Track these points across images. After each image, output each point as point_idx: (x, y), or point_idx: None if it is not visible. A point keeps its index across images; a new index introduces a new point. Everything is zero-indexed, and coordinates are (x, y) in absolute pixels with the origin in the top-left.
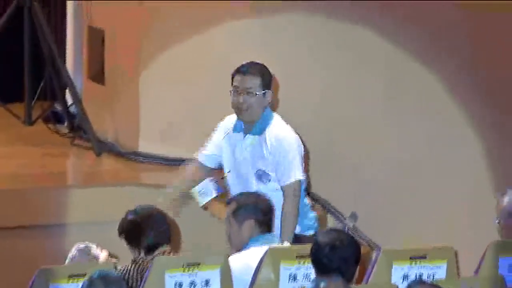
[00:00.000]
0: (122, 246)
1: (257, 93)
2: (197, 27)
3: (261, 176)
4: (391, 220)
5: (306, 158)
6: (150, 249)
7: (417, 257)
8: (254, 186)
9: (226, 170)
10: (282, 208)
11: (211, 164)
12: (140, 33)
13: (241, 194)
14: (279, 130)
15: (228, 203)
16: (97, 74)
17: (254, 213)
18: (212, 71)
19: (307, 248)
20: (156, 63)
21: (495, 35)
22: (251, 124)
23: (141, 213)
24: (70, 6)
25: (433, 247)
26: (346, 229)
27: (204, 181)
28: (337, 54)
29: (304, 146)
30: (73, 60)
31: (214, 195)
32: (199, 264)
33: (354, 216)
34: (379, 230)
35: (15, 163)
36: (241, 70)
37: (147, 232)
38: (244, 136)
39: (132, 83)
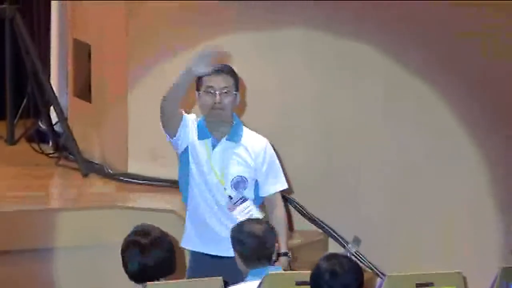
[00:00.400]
0: (111, 272)
1: (235, 92)
2: (188, 42)
3: (239, 183)
4: (392, 229)
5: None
6: (137, 280)
7: (424, 284)
8: (229, 193)
9: (190, 180)
10: (275, 214)
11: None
12: (129, 47)
13: (241, 222)
14: (259, 138)
15: None
16: (83, 91)
17: (234, 246)
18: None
19: (306, 274)
20: (145, 79)
21: (491, 42)
22: (224, 127)
23: (132, 235)
24: (54, 18)
25: (440, 273)
26: (348, 254)
27: None
28: (335, 65)
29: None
30: (57, 76)
31: None
32: None
33: (357, 241)
34: (380, 242)
35: None
36: (214, 69)
37: (131, 259)
38: (216, 142)
39: (120, 100)
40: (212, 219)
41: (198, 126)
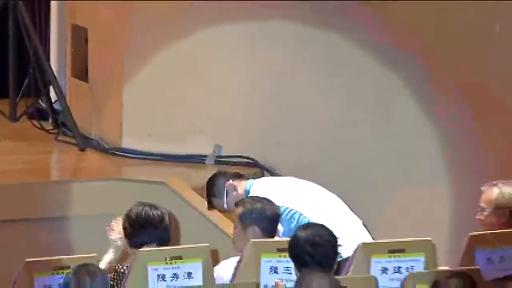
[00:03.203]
0: (104, 241)
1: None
2: (182, 28)
3: None
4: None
5: None
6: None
7: (396, 250)
8: None
9: None
10: None
11: None
12: (124, 31)
13: (250, 197)
14: None
15: (236, 205)
16: (81, 72)
17: (259, 220)
18: (194, 69)
19: (287, 241)
20: (139, 61)
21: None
22: None
23: (136, 211)
24: (54, 5)
25: (411, 241)
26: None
27: None
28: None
29: None
30: (57, 58)
31: None
32: (181, 257)
33: None
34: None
35: (0, 159)
36: None
37: (137, 232)
38: None
39: (115, 80)
40: None
41: None
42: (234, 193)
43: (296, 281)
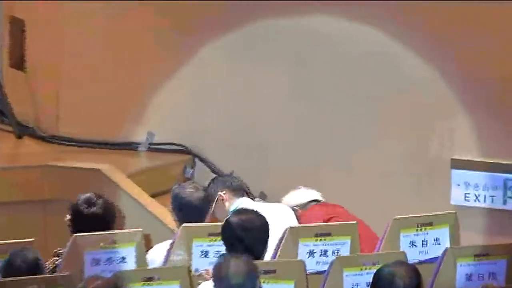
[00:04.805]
0: (40, 226)
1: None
2: (115, 21)
3: None
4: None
5: None
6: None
7: (322, 234)
8: None
9: None
10: None
11: None
12: (60, 23)
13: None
14: None
15: None
16: (18, 62)
17: (173, 208)
18: (128, 60)
19: (219, 226)
20: (74, 52)
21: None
22: None
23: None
24: None
25: (337, 224)
26: None
27: None
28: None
29: None
30: None
31: None
32: (115, 242)
33: (262, 195)
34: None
35: None
36: None
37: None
38: None
39: (52, 71)
40: None
41: None
42: (221, 205)
43: (215, 265)
